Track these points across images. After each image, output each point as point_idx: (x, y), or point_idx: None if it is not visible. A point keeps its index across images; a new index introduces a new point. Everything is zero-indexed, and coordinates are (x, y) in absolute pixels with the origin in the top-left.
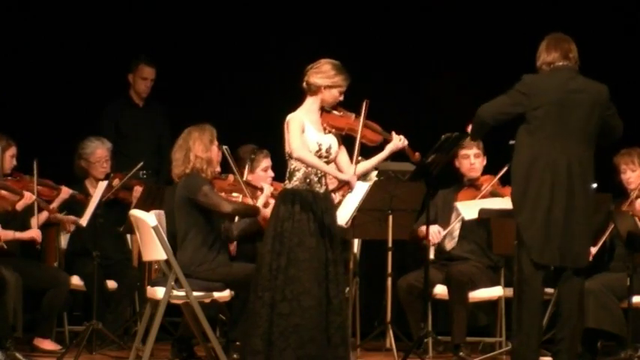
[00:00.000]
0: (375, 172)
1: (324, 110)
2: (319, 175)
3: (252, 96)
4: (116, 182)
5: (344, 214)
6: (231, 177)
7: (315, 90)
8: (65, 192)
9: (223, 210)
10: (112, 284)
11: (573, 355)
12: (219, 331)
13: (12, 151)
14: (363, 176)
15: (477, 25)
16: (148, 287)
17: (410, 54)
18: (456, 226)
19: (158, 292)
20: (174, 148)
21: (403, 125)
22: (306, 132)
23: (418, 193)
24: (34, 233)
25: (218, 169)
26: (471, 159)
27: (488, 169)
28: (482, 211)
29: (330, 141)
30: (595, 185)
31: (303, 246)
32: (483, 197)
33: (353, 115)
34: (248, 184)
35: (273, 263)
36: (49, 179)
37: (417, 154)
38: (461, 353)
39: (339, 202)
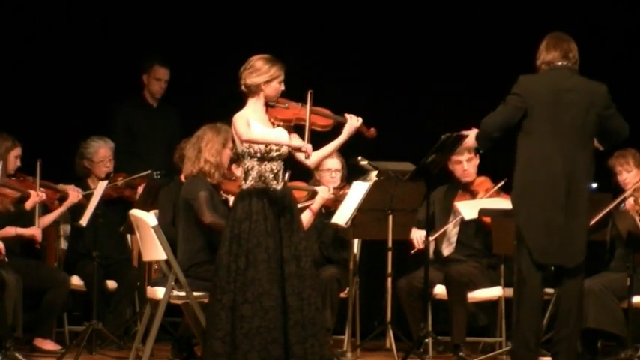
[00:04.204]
0: (375, 172)
1: (268, 106)
2: (275, 172)
3: None
4: (120, 181)
5: (344, 214)
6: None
7: (255, 90)
8: (75, 196)
9: (203, 219)
10: (112, 284)
11: (572, 355)
12: None
13: (17, 152)
14: (364, 176)
15: (475, 29)
16: (148, 287)
17: (409, 55)
18: (453, 232)
19: (158, 292)
20: (188, 145)
21: (403, 125)
22: (252, 129)
23: (418, 193)
24: (35, 231)
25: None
26: (464, 165)
27: (483, 168)
28: (482, 211)
29: (279, 134)
30: (595, 185)
31: (260, 247)
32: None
33: (299, 104)
34: None
35: (232, 265)
36: (53, 181)
37: (371, 130)
38: (461, 353)
39: (340, 200)
